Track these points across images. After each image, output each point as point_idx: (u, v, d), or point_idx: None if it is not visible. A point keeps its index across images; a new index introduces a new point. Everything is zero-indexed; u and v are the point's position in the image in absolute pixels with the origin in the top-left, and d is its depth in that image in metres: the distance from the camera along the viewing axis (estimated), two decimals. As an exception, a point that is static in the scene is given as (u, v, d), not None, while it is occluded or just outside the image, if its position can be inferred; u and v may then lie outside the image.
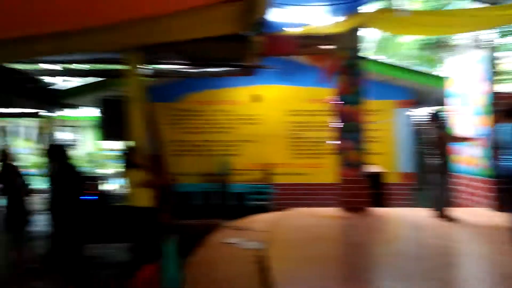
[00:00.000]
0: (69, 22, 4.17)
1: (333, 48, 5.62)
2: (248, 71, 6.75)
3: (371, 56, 11.35)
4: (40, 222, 6.51)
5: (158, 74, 7.03)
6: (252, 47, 4.80)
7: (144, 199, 4.91)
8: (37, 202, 6.50)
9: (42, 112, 9.39)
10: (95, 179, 7.92)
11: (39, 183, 7.35)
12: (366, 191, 5.49)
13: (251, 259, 3.46)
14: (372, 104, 6.90)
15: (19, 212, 5.37)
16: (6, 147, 5.55)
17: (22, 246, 5.46)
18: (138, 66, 5.43)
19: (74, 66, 6.89)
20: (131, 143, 5.21)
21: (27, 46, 4.54)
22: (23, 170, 5.68)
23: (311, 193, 7.97)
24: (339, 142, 5.59)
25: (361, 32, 5.65)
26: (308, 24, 5.59)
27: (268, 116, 8.15)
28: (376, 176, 6.32)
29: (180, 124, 8.23)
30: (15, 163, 5.50)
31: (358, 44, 5.64)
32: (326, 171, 7.80)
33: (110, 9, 4.00)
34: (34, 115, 9.87)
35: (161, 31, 4.53)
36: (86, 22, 4.24)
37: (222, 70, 6.91)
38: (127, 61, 5.38)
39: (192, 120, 8.23)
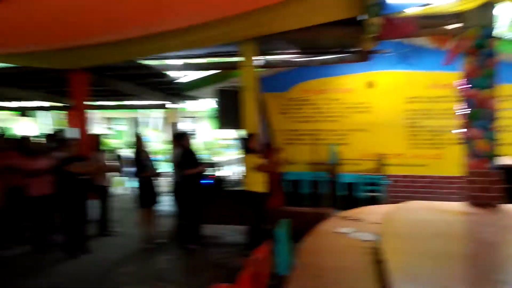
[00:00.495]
0: (192, 18, 4.49)
1: (460, 27, 5.06)
2: (363, 57, 6.49)
3: (506, 35, 9.98)
4: (166, 203, 7.22)
5: (270, 64, 7.17)
6: (368, 31, 4.58)
7: (258, 184, 5.10)
8: (163, 184, 7.20)
9: (168, 104, 10.37)
10: (212, 166, 8.47)
11: (165, 168, 8.12)
12: (497, 185, 4.88)
13: (363, 250, 3.34)
14: (507, 88, 6.14)
15: (149, 193, 6.02)
16: (138, 135, 6.22)
17: (151, 223, 6.13)
18: (252, 57, 5.64)
19: (193, 61, 7.39)
20: (249, 130, 5.45)
21: (158, 43, 5.01)
22: (152, 156, 6.31)
23: (430, 186, 7.41)
24: (465, 130, 5.05)
25: (494, 8, 4.99)
26: (430, 4, 5.14)
27: (382, 103, 7.74)
28: (510, 169, 5.58)
29: (291, 113, 8.31)
30: (146, 150, 6.15)
31: (490, 21, 4.99)
32: (449, 162, 7.19)
33: (228, 2, 4.18)
34: (161, 106, 10.94)
35: (276, 20, 4.58)
36: (206, 17, 4.51)
37: (335, 57, 6.75)
38: (242, 52, 5.61)
39: (303, 109, 8.23)
